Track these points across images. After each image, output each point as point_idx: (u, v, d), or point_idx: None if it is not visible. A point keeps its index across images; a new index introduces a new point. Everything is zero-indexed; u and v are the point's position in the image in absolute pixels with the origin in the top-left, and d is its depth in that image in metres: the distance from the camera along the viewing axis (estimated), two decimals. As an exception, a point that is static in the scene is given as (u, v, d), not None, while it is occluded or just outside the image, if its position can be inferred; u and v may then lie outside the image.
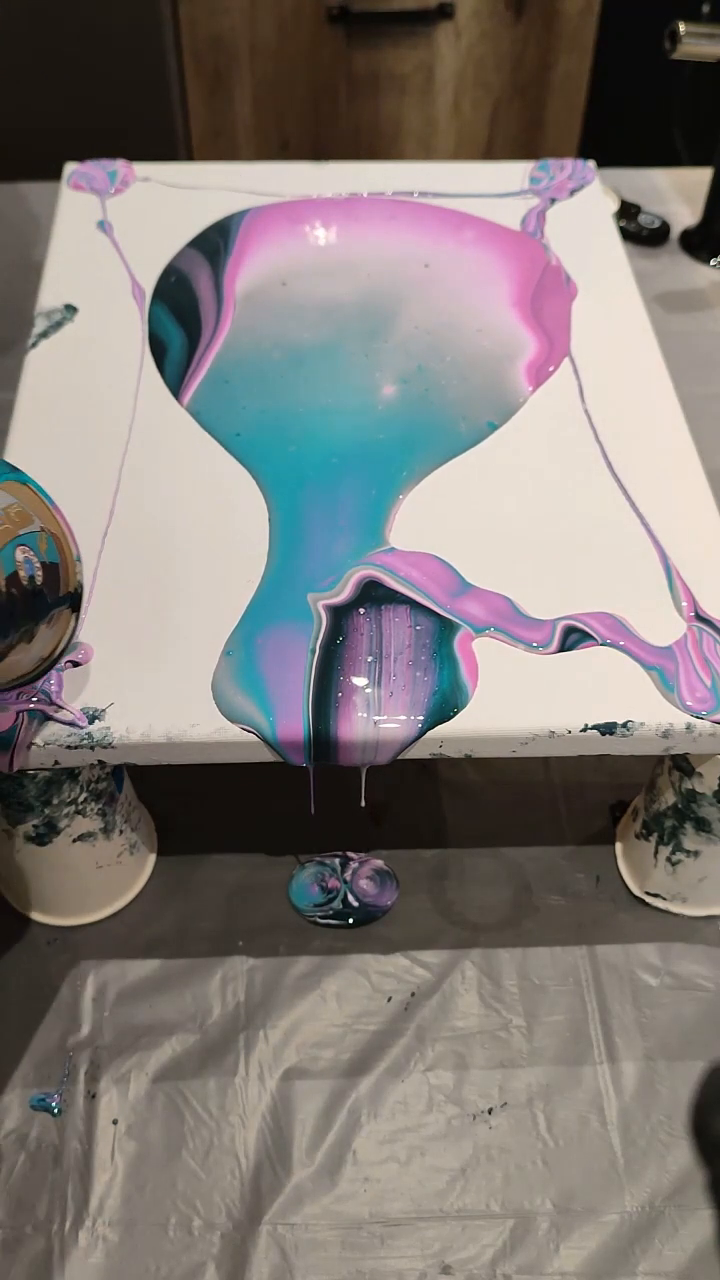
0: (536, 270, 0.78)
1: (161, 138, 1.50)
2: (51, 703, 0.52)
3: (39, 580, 0.47)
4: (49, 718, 0.52)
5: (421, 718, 0.53)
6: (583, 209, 0.84)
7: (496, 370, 0.71)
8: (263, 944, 0.63)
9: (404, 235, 0.80)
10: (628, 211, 1.02)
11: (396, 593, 0.58)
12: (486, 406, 0.68)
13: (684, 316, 0.95)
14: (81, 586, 0.51)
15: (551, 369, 0.71)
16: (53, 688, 0.53)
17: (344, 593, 0.58)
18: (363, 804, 0.58)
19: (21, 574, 0.46)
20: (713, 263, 1.00)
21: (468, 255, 0.79)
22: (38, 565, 0.47)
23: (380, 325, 0.73)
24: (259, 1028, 0.60)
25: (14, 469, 0.49)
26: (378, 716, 0.53)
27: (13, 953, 0.62)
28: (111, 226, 0.80)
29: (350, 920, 0.64)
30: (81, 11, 1.38)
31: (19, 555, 0.46)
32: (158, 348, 0.71)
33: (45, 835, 0.58)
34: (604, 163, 0.91)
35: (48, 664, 0.50)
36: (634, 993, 0.62)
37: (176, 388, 0.69)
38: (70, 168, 0.85)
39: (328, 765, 0.54)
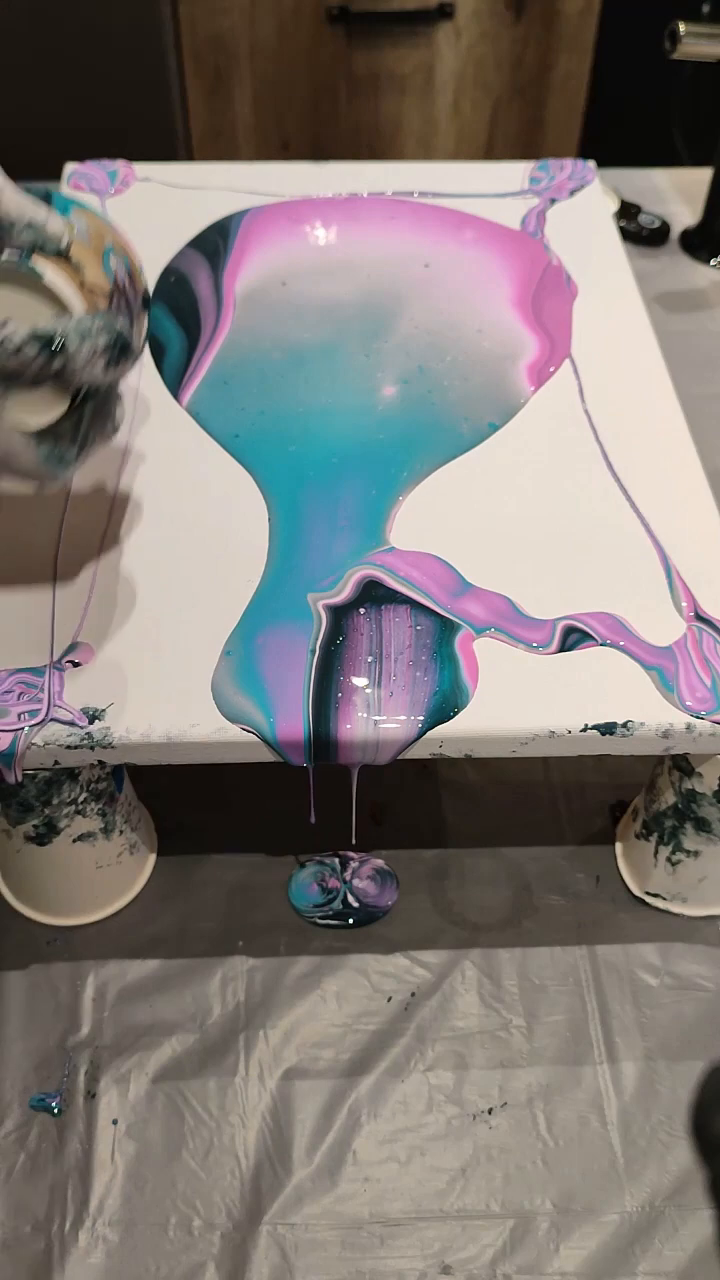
0: (537, 270, 0.78)
1: (161, 138, 1.50)
2: (52, 705, 0.52)
3: (124, 282, 0.53)
4: (51, 719, 0.52)
5: (421, 718, 0.53)
6: (583, 209, 0.84)
7: (498, 371, 0.71)
8: (263, 944, 0.63)
9: (404, 235, 0.80)
10: (628, 211, 1.02)
11: (397, 593, 0.58)
12: (488, 407, 0.68)
13: (684, 316, 0.95)
14: (149, 290, 0.57)
15: (552, 369, 0.71)
16: (55, 688, 0.53)
17: (344, 592, 0.58)
18: (353, 809, 0.58)
19: (120, 278, 0.53)
20: (713, 263, 1.00)
21: (468, 255, 0.79)
22: (124, 272, 0.54)
23: (381, 326, 0.74)
24: (259, 1028, 0.60)
25: (72, 199, 0.54)
26: (378, 716, 0.53)
27: (13, 953, 0.62)
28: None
29: (350, 921, 0.64)
30: (81, 11, 1.38)
31: (113, 263, 0.53)
32: (156, 348, 0.71)
33: (45, 835, 0.58)
34: (604, 163, 0.91)
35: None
36: (634, 993, 0.62)
37: (175, 388, 0.69)
38: (70, 168, 0.85)
39: (327, 765, 0.54)
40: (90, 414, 0.50)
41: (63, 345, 0.46)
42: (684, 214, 1.04)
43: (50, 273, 0.49)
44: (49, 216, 0.50)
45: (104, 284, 0.51)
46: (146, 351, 0.71)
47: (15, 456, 0.48)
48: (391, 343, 0.72)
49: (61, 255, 0.50)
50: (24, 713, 0.52)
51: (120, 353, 0.47)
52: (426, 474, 0.64)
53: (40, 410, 0.49)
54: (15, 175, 0.51)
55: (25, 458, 0.49)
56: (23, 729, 0.51)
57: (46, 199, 0.52)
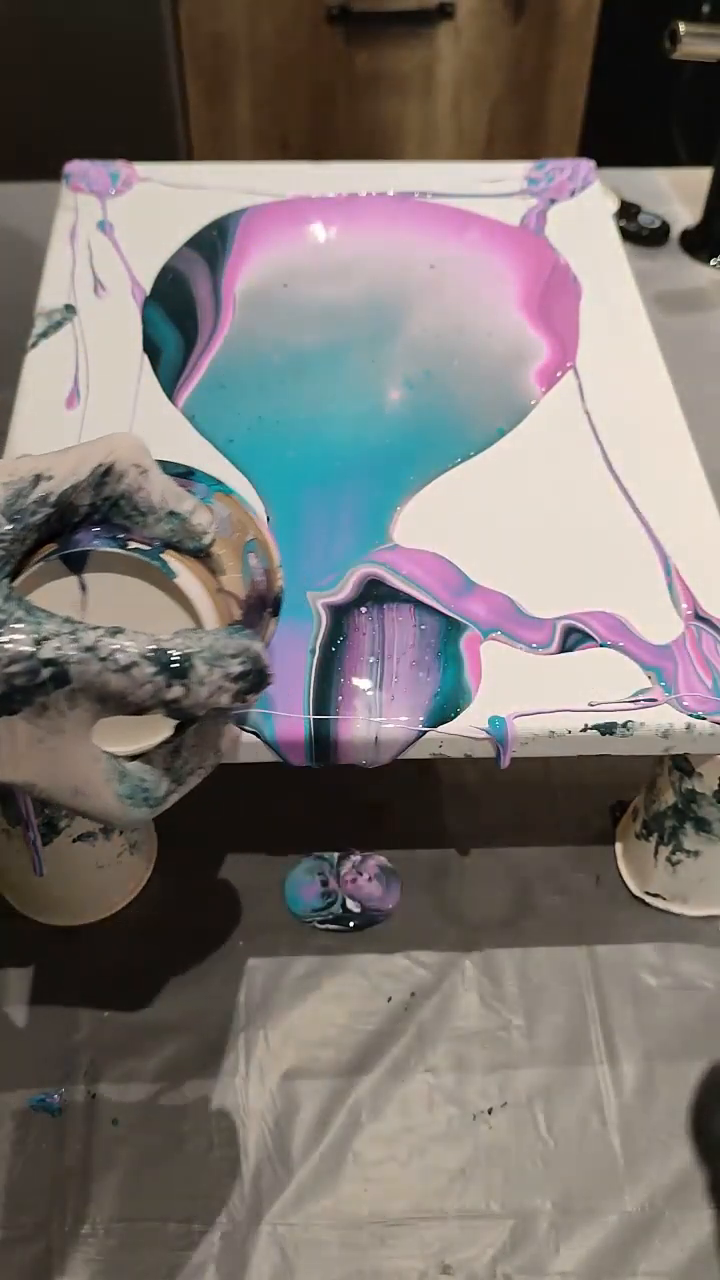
0: (544, 270, 0.78)
1: (161, 138, 1.50)
2: None
3: (261, 586, 0.47)
4: None
5: (423, 718, 0.53)
6: (583, 209, 0.84)
7: (507, 375, 0.70)
8: (263, 944, 0.63)
9: (408, 235, 0.80)
10: (628, 211, 1.02)
11: (399, 591, 0.58)
12: (497, 413, 0.68)
13: (684, 316, 0.95)
14: (282, 590, 0.49)
15: (560, 373, 0.70)
16: None
17: (345, 591, 0.58)
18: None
19: (258, 581, 0.46)
20: (713, 263, 1.00)
21: (474, 255, 0.79)
22: (262, 573, 0.47)
23: (386, 329, 0.73)
24: (259, 1028, 0.60)
25: (217, 481, 0.48)
26: (378, 717, 0.53)
27: (13, 953, 0.62)
28: (111, 226, 0.80)
29: (350, 925, 0.64)
30: (81, 11, 1.38)
31: (253, 562, 0.46)
32: (152, 350, 0.71)
33: (45, 835, 0.58)
34: (604, 163, 0.91)
35: None
36: (634, 993, 0.62)
37: (171, 391, 0.68)
38: (70, 168, 0.85)
39: (327, 765, 0.54)
40: (192, 741, 0.41)
41: (186, 669, 0.37)
42: (684, 214, 1.04)
43: (185, 576, 0.41)
44: (195, 508, 0.43)
45: (240, 590, 0.44)
46: (142, 351, 0.71)
47: (87, 793, 0.38)
48: (397, 346, 0.72)
49: (200, 553, 0.43)
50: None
51: (254, 684, 0.38)
52: (430, 480, 0.64)
53: (129, 734, 0.40)
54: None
55: (101, 795, 0.38)
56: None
57: (187, 476, 0.46)
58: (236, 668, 0.38)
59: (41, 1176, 0.55)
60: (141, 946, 0.63)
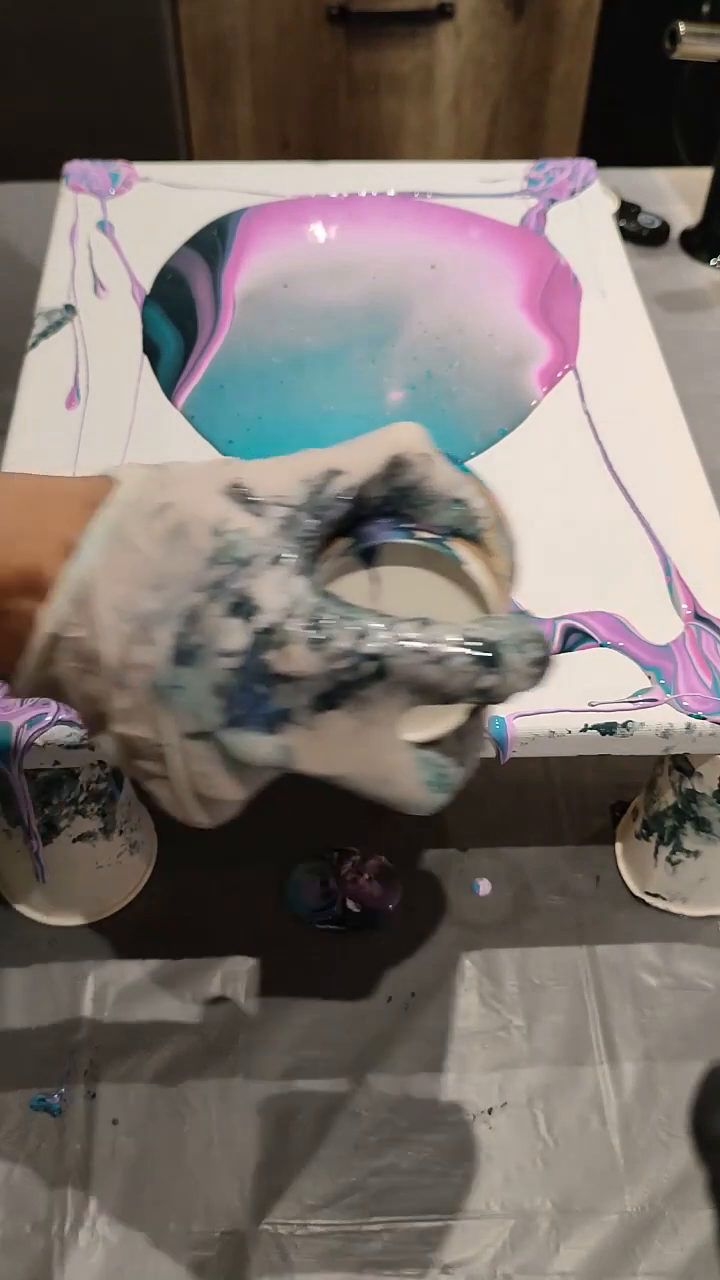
0: (545, 270, 0.78)
1: (161, 138, 1.50)
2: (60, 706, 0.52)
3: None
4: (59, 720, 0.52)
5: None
6: (583, 209, 0.84)
7: (509, 376, 0.70)
8: (263, 944, 0.63)
9: (408, 235, 0.80)
10: (628, 211, 1.02)
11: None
12: (499, 414, 0.68)
13: (684, 316, 0.95)
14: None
15: (561, 373, 0.70)
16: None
17: (344, 593, 0.58)
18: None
19: (514, 559, 0.44)
20: (713, 263, 1.00)
21: (475, 255, 0.79)
22: (510, 559, 0.44)
23: (387, 329, 0.73)
24: (259, 1028, 0.60)
25: (459, 461, 0.46)
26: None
27: (13, 953, 0.62)
28: (111, 226, 0.80)
29: (350, 924, 0.64)
30: (81, 11, 1.38)
31: (504, 542, 0.44)
32: (152, 350, 0.71)
33: (45, 835, 0.58)
34: (604, 163, 0.91)
35: None
36: (634, 993, 0.62)
37: (170, 391, 0.68)
38: (70, 168, 0.85)
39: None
40: (476, 725, 0.41)
41: (497, 657, 0.37)
42: (684, 214, 1.04)
43: (474, 565, 0.41)
44: (474, 493, 0.42)
45: (509, 572, 0.43)
46: (141, 351, 0.71)
47: (394, 780, 0.39)
48: (398, 347, 0.72)
49: (476, 538, 0.42)
50: (33, 716, 0.52)
51: (546, 668, 0.38)
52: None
53: (428, 721, 0.39)
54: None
55: (407, 781, 0.39)
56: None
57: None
58: (537, 653, 0.38)
59: (41, 1176, 0.55)
60: (141, 946, 0.62)
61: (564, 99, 1.61)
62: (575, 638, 0.56)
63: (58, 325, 0.72)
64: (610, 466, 0.65)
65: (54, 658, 0.37)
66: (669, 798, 0.60)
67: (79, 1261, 0.53)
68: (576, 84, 1.59)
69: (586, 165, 0.87)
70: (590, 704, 0.53)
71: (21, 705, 0.52)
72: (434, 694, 0.37)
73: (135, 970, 0.62)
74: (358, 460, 0.39)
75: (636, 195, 1.04)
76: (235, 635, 0.36)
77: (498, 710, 0.53)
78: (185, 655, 0.36)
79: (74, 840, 0.59)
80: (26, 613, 0.37)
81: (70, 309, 0.73)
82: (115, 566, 0.36)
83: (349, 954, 0.63)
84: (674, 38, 0.83)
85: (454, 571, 0.41)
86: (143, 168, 0.85)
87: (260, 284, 0.76)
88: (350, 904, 0.64)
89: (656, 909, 0.65)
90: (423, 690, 0.37)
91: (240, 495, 0.37)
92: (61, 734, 0.52)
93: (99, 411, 0.67)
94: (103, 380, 0.69)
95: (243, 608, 0.36)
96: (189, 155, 1.56)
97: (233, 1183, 0.55)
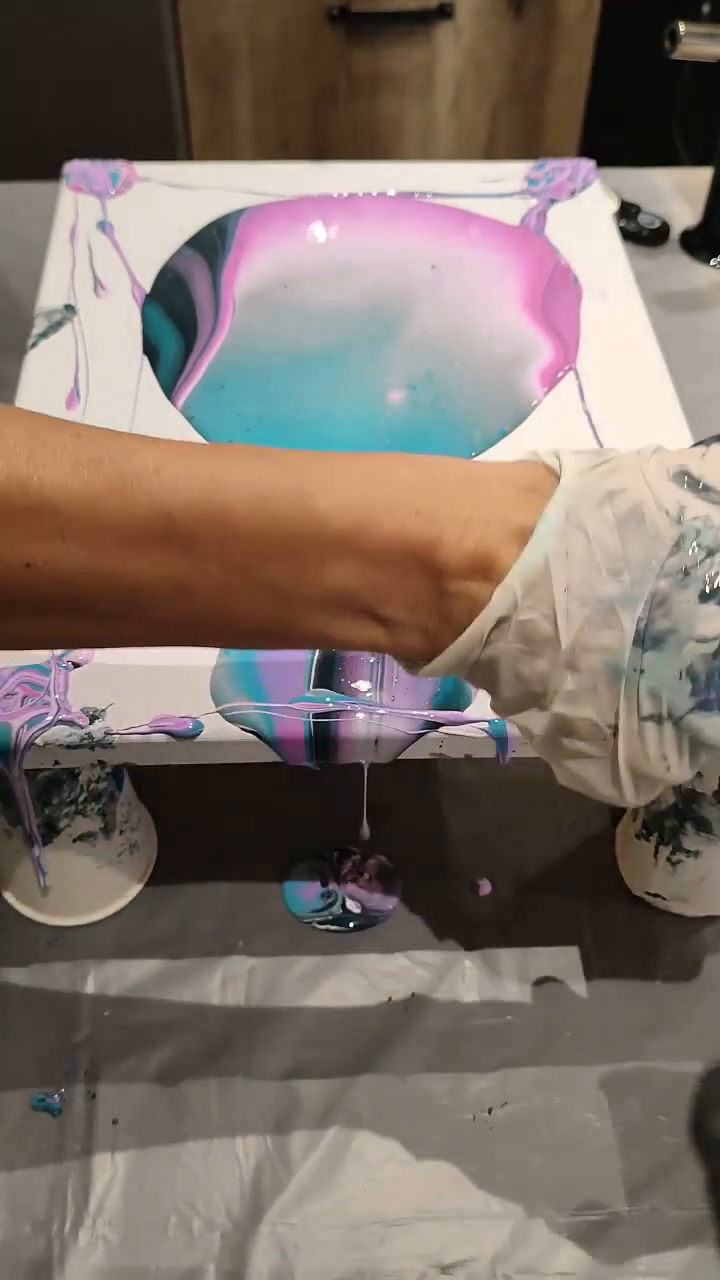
0: (546, 270, 0.78)
1: (161, 138, 1.50)
2: (60, 706, 0.52)
3: None
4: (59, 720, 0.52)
5: (424, 719, 0.53)
6: (583, 209, 0.84)
7: (510, 376, 0.70)
8: (263, 944, 0.63)
9: (409, 235, 0.80)
10: (628, 211, 1.02)
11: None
12: (500, 414, 0.68)
13: (684, 316, 0.95)
14: None
15: (561, 374, 0.70)
16: (60, 688, 0.53)
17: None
18: (364, 806, 0.58)
19: None
20: (713, 263, 1.00)
21: (475, 255, 0.79)
22: None
23: (387, 329, 0.73)
24: (259, 1028, 0.60)
25: None
26: (379, 717, 0.53)
27: (13, 953, 0.62)
28: (111, 226, 0.80)
29: (350, 925, 0.64)
30: (81, 12, 1.38)
31: None
32: (152, 350, 0.71)
33: (45, 835, 0.58)
34: (604, 163, 0.91)
35: None
36: (634, 993, 0.61)
37: (170, 391, 0.68)
38: (70, 168, 0.85)
39: (327, 765, 0.54)
40: None
41: None
42: (684, 214, 1.04)
43: None
44: None
45: None
46: (141, 351, 0.71)
47: None
48: (398, 347, 0.72)
49: None
50: (33, 717, 0.52)
51: None
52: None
53: None
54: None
55: None
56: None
57: None
58: None
59: (41, 1176, 0.55)
60: (141, 946, 0.62)
61: (564, 99, 1.61)
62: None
63: (58, 325, 0.72)
64: (610, 466, 0.65)
65: (495, 640, 0.38)
66: (669, 797, 0.60)
67: (79, 1261, 0.53)
68: (576, 84, 1.59)
69: (586, 165, 0.87)
70: (590, 704, 0.53)
71: (21, 705, 0.52)
72: None
73: (135, 970, 0.62)
74: None
75: (636, 195, 1.04)
76: (714, 621, 0.36)
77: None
78: (652, 640, 0.37)
79: (74, 840, 0.59)
80: (473, 595, 0.38)
81: (70, 309, 0.73)
82: (569, 551, 0.37)
83: (349, 954, 0.63)
84: (674, 38, 0.83)
85: None
86: (143, 168, 0.85)
87: (260, 284, 0.76)
88: (350, 904, 0.64)
89: (656, 909, 0.65)
90: None
91: (693, 482, 0.38)
92: (62, 734, 0.52)
93: (99, 411, 0.67)
94: (103, 380, 0.69)
95: (717, 595, 0.36)
96: (189, 155, 1.56)
97: (233, 1183, 0.55)
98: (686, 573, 0.36)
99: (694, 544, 0.37)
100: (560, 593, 0.37)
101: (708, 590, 0.36)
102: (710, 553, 0.37)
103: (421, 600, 0.39)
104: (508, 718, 0.42)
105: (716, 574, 0.36)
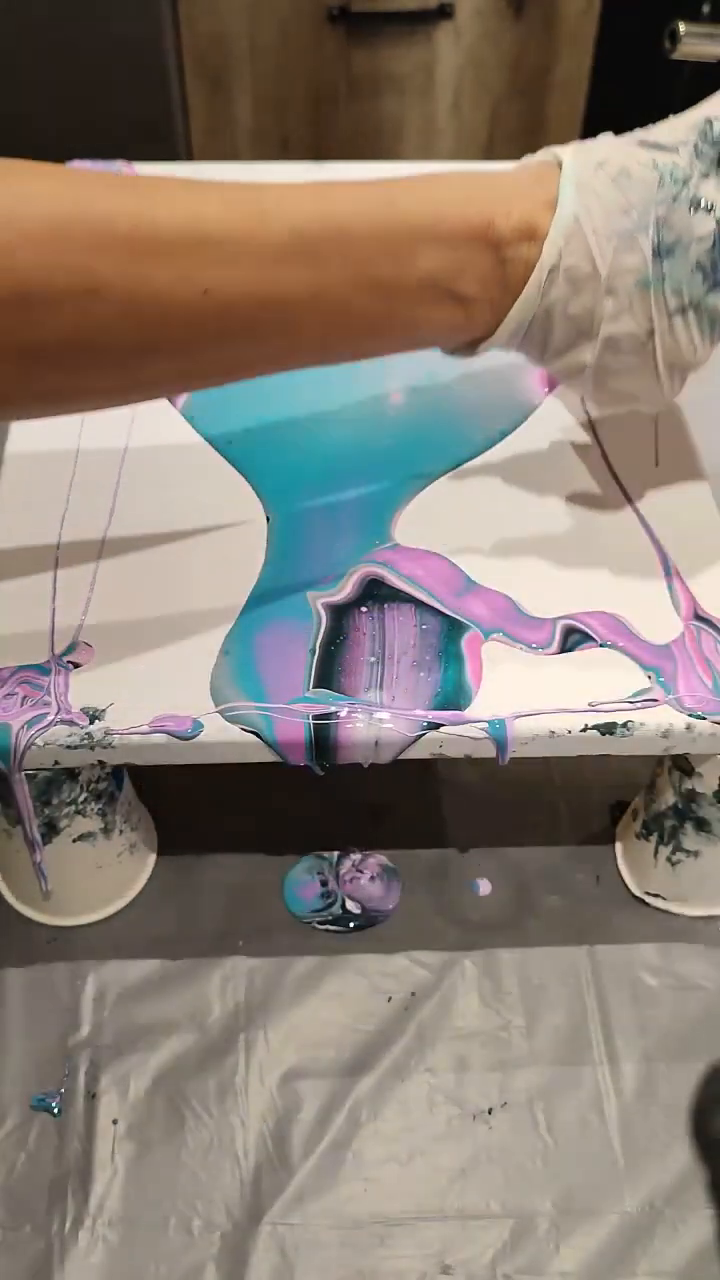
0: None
1: (161, 138, 1.50)
2: (60, 706, 0.52)
3: None
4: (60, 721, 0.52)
5: (424, 719, 0.53)
6: (583, 209, 0.83)
7: (509, 376, 0.70)
8: (263, 944, 0.63)
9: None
10: (628, 211, 1.02)
11: (400, 591, 0.58)
12: (501, 414, 0.68)
13: (684, 316, 0.95)
14: None
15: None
16: (61, 688, 0.53)
17: (345, 590, 0.58)
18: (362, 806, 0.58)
19: None
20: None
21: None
22: None
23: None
24: (259, 1028, 0.60)
25: None
26: (379, 717, 0.53)
27: (13, 953, 0.62)
28: (111, 226, 0.79)
29: (350, 925, 0.64)
30: (81, 11, 1.38)
31: None
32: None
33: (45, 835, 0.58)
34: (604, 163, 0.91)
35: None
36: (634, 993, 0.62)
37: (172, 390, 0.68)
38: (70, 167, 0.84)
39: (327, 765, 0.54)
40: None
41: None
42: (684, 214, 1.04)
43: None
44: None
45: None
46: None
47: None
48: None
49: None
50: (33, 717, 0.52)
51: None
52: (432, 480, 0.64)
53: None
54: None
55: None
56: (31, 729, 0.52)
57: None
58: None
59: (41, 1176, 0.55)
60: (141, 946, 0.63)
61: (564, 99, 1.61)
62: (575, 638, 0.56)
63: (58, 325, 0.72)
64: (610, 467, 0.65)
65: (548, 290, 0.50)
66: (669, 798, 0.60)
67: (79, 1261, 0.53)
68: (576, 84, 1.59)
69: (586, 165, 0.87)
70: (590, 704, 0.53)
71: (21, 706, 0.52)
72: None
73: (135, 970, 0.62)
74: None
75: (636, 195, 1.04)
76: (705, 223, 0.49)
77: (499, 711, 0.53)
78: (665, 250, 0.49)
79: (74, 840, 0.59)
80: (525, 258, 0.49)
81: (70, 309, 0.73)
82: (588, 207, 0.49)
83: (349, 954, 0.63)
84: (674, 38, 0.82)
85: None
86: (143, 168, 0.85)
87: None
88: (350, 904, 0.64)
89: (656, 909, 0.65)
90: None
91: (652, 144, 0.51)
92: (62, 734, 0.52)
93: (98, 412, 0.66)
94: (103, 380, 0.69)
95: (701, 205, 0.49)
96: (189, 155, 1.56)
97: (233, 1183, 0.55)
98: (674, 198, 0.49)
99: (671, 177, 0.49)
100: (591, 235, 0.49)
101: (692, 206, 0.49)
102: (684, 181, 0.49)
103: (488, 273, 0.49)
104: (560, 365, 0.53)
105: (694, 193, 0.49)
